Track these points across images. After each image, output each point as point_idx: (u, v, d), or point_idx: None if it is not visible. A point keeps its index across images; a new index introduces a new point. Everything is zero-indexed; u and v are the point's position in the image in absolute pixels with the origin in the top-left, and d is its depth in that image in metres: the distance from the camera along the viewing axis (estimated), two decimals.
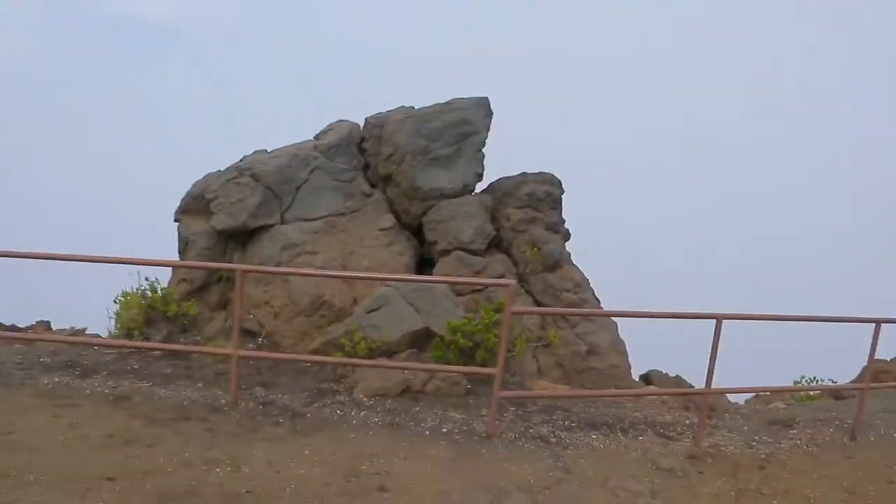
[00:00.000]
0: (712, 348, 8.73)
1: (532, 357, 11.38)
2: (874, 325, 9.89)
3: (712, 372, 8.85)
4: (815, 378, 15.46)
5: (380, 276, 9.60)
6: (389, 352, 10.08)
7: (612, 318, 11.53)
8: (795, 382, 15.60)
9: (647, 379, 13.11)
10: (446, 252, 11.97)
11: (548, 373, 11.36)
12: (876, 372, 16.24)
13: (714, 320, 8.62)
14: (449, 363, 9.84)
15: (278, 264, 11.61)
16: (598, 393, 8.86)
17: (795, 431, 10.22)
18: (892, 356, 18.38)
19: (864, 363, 17.25)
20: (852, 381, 16.94)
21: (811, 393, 13.09)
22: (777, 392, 10.23)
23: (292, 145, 12.93)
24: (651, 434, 9.27)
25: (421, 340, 10.38)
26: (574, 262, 12.65)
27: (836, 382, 16.00)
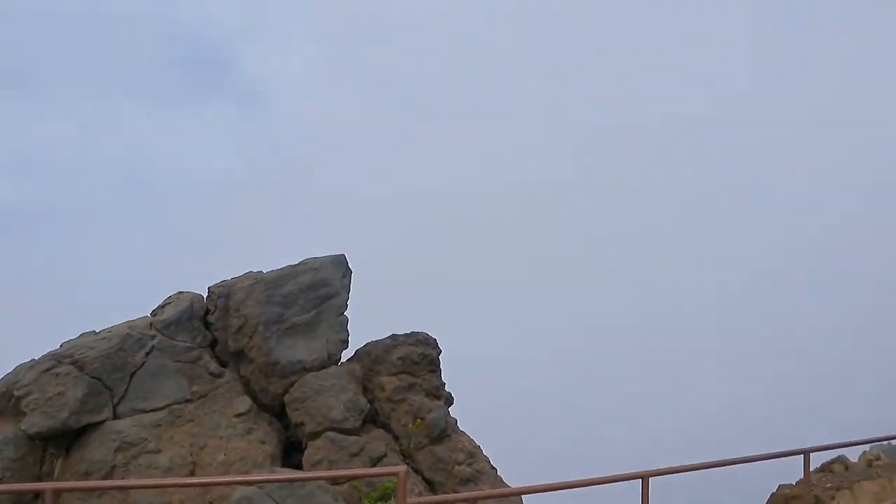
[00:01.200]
0: None
1: None
2: (803, 455, 9.22)
3: None
4: None
5: (239, 478, 7.92)
6: None
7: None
8: None
9: None
10: (316, 434, 10.44)
11: None
12: (786, 498, 15.58)
13: (640, 480, 7.54)
14: None
15: (112, 469, 9.71)
16: None
17: None
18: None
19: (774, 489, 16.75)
20: None
21: None
22: None
23: (124, 323, 11.23)
24: None
25: None
26: (462, 430, 11.39)
27: None
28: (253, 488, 8.73)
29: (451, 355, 12.51)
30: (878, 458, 19.76)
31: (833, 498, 14.89)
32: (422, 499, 6.87)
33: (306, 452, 10.34)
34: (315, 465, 10.09)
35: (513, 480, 11.35)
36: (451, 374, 12.12)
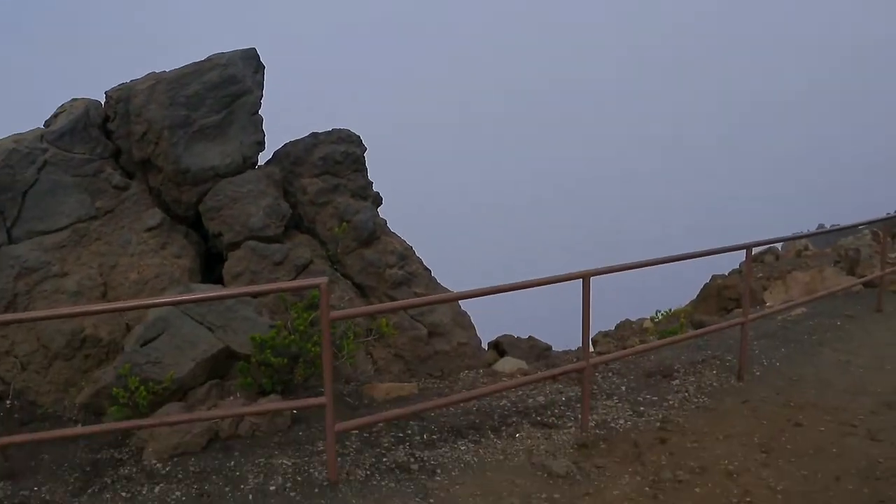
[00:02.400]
0: (584, 312, 7.26)
1: (366, 355, 9.50)
2: (745, 250, 8.94)
3: (588, 339, 7.39)
4: (669, 310, 14.75)
5: (148, 301, 7.16)
6: (184, 390, 7.82)
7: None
8: (651, 318, 14.82)
9: (497, 347, 11.63)
10: (236, 245, 9.75)
11: (387, 369, 9.55)
12: (720, 288, 15.76)
13: (581, 280, 7.14)
14: (263, 390, 7.77)
15: (14, 298, 8.97)
16: (460, 398, 7.14)
17: (678, 381, 9.15)
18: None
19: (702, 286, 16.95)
20: (693, 302, 16.52)
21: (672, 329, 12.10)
22: (660, 346, 8.98)
23: (9, 137, 10.05)
24: (528, 426, 7.74)
25: (222, 365, 8.21)
26: (392, 231, 10.78)
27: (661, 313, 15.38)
28: (168, 307, 8.07)
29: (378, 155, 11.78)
30: (806, 249, 20.17)
31: (766, 288, 15.07)
32: (343, 311, 6.31)
33: (226, 264, 9.69)
34: (236, 276, 9.49)
35: (448, 283, 10.98)
36: (378, 174, 11.41)
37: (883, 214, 14.61)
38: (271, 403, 7.20)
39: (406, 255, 10.44)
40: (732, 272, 17.89)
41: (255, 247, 9.63)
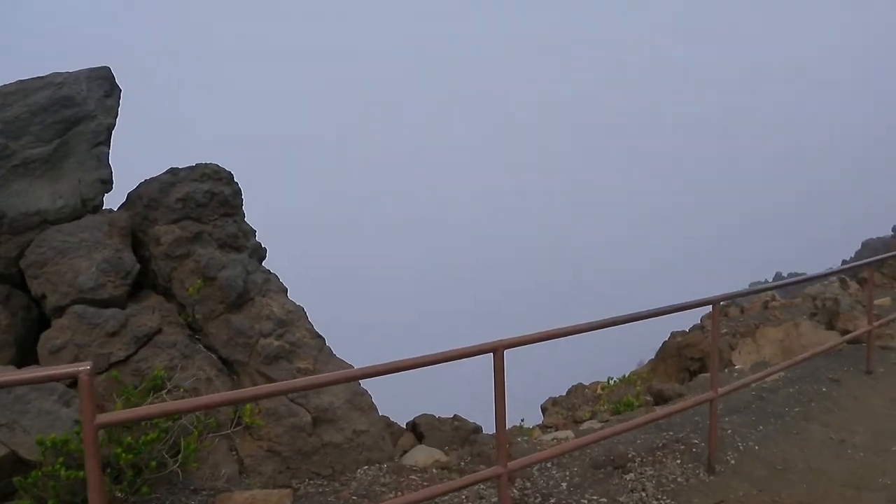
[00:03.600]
0: (497, 395, 5.29)
1: (229, 451, 7.31)
2: (711, 305, 7.15)
3: (503, 433, 5.38)
4: (624, 376, 12.86)
5: None
6: None
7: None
8: (603, 387, 12.91)
9: (415, 429, 9.55)
10: (61, 310, 7.54)
11: (257, 470, 7.34)
12: (679, 347, 13.87)
13: (492, 353, 5.22)
14: None
15: None
16: None
17: (632, 476, 7.15)
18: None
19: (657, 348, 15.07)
20: (651, 362, 14.61)
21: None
22: (610, 436, 6.91)
23: None
24: None
25: (5, 479, 5.96)
26: (278, 289, 8.62)
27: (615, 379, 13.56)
28: None
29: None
30: (773, 300, 18.41)
31: (733, 347, 13.21)
32: (112, 415, 4.20)
33: (43, 336, 7.42)
34: (56, 352, 7.26)
35: (348, 354, 8.86)
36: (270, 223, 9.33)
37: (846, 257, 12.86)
38: None
39: (288, 320, 8.26)
40: (693, 328, 16.09)
41: (83, 312, 7.41)
